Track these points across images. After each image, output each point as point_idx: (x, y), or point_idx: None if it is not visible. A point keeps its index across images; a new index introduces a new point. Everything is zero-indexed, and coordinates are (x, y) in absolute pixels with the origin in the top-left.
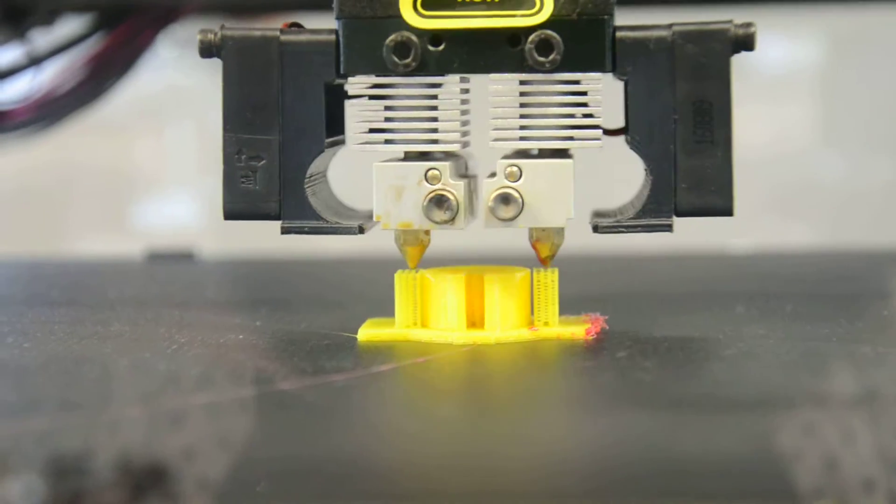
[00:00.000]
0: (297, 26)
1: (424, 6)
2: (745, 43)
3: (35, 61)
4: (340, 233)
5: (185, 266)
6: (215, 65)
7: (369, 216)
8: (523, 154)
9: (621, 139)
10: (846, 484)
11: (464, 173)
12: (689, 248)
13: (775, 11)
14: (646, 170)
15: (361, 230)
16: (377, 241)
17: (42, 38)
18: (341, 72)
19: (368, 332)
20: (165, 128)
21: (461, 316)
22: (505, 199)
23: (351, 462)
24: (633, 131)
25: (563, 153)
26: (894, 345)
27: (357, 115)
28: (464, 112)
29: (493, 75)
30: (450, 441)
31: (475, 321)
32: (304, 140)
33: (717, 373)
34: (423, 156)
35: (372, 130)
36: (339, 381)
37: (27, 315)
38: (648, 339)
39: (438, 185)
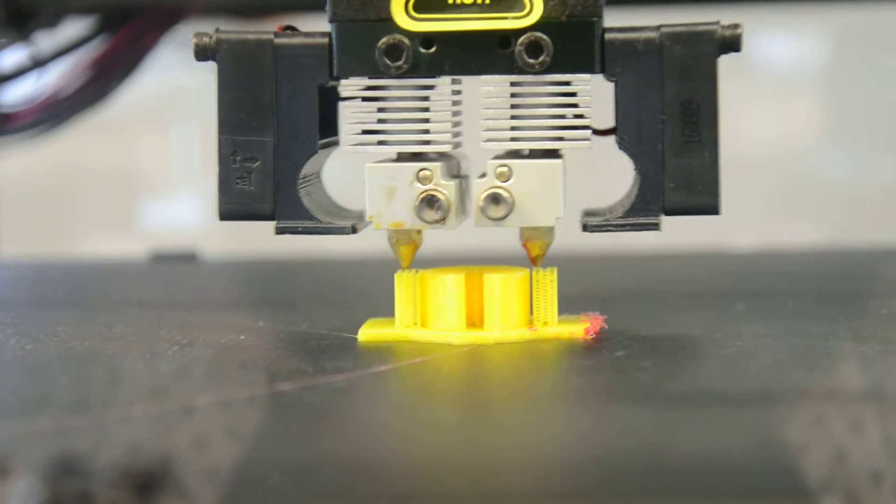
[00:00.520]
0: (292, 29)
1: (416, 9)
2: (732, 44)
3: (39, 63)
4: (333, 233)
5: (188, 267)
6: (213, 65)
7: (362, 216)
8: (514, 154)
9: (611, 139)
10: (846, 481)
11: (456, 174)
12: (690, 246)
13: (781, 9)
14: (635, 169)
15: (354, 230)
16: (377, 242)
17: (46, 41)
18: (334, 74)
19: (369, 333)
20: (169, 129)
21: (460, 316)
22: (495, 198)
23: (350, 463)
24: (622, 131)
25: (553, 153)
26: (894, 343)
27: (350, 116)
28: (455, 113)
29: (484, 77)
30: (449, 441)
31: (475, 321)
32: (297, 141)
33: (715, 371)
34: (416, 157)
35: (365, 132)
36: (339, 381)
37: (31, 316)
38: (647, 339)
39: (430, 186)
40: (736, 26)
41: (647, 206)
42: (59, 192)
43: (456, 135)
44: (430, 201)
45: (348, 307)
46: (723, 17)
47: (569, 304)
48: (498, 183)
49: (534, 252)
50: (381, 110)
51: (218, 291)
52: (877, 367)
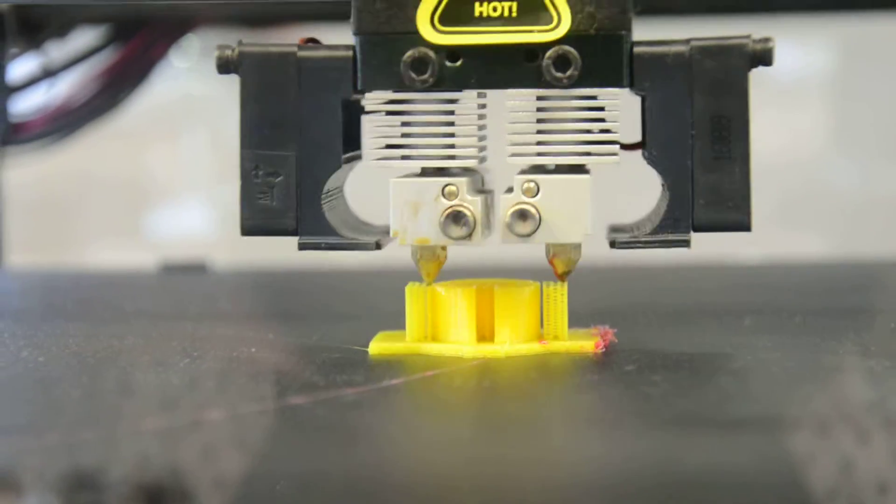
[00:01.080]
0: (314, 42)
1: (442, 22)
2: (763, 58)
3: (50, 73)
4: (357, 248)
5: (198, 278)
6: (229, 76)
7: (385, 231)
8: (540, 169)
9: (637, 154)
10: (855, 497)
11: (480, 189)
12: (697, 259)
13: (788, 20)
14: (663, 185)
15: (378, 246)
16: (389, 254)
17: (57, 51)
18: (359, 88)
19: (379, 346)
20: (179, 139)
21: (471, 329)
22: (522, 214)
23: (361, 477)
24: (650, 146)
25: (579, 168)
26: None
27: (374, 130)
28: (480, 127)
29: (510, 91)
30: (459, 455)
31: (485, 335)
32: (321, 156)
33: (724, 387)
34: (440, 171)
35: (389, 146)
36: (350, 395)
37: (42, 328)
38: (657, 353)
39: (456, 201)
40: (767, 40)
41: (676, 222)
42: (68, 202)
43: (481, 149)
44: (456, 217)
45: (359, 320)
46: (728, 29)
47: (579, 318)
48: (525, 199)
49: (560, 269)
50: (405, 124)
51: (228, 303)
52: (887, 383)
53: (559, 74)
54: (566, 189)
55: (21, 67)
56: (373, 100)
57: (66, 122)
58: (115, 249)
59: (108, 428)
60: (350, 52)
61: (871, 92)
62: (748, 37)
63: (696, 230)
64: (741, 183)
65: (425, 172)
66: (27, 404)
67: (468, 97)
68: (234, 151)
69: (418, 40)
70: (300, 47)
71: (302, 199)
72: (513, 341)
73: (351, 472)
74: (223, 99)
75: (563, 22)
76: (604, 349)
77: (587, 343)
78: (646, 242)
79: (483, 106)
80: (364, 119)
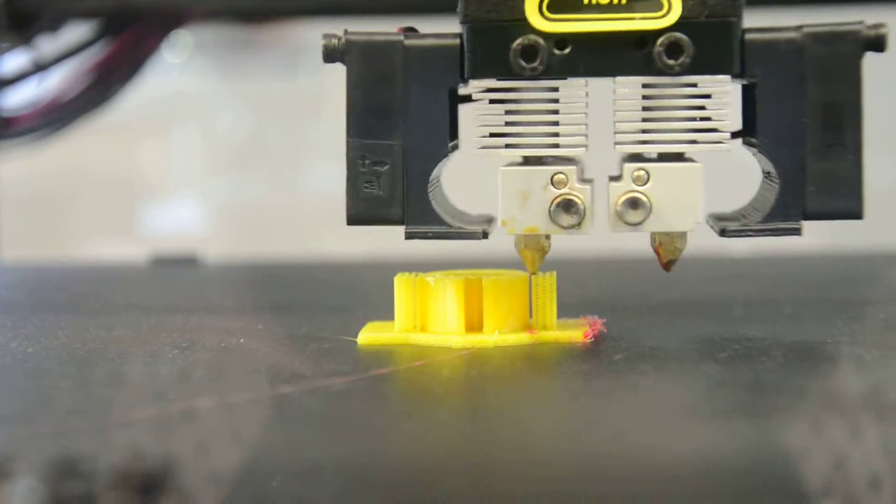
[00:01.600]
0: (412, 31)
1: (550, 9)
2: (877, 44)
3: (41, 67)
4: (464, 237)
5: (188, 271)
6: (222, 69)
7: (485, 220)
8: (640, 157)
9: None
10: (845, 487)
11: (583, 177)
12: (687, 249)
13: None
14: (766, 173)
15: (485, 235)
16: (376, 245)
17: (48, 45)
18: (465, 76)
19: (368, 336)
20: (170, 133)
21: (460, 319)
22: (633, 203)
23: (349, 466)
24: (761, 134)
25: (683, 156)
26: (890, 348)
27: (478, 119)
28: (585, 115)
29: (619, 78)
30: (448, 444)
31: (474, 325)
32: (427, 145)
33: (713, 375)
34: (541, 160)
35: (493, 135)
36: (338, 384)
37: (32, 320)
38: (646, 342)
39: (565, 190)
40: (880, 26)
41: (787, 210)
42: (59, 196)
43: (585, 137)
44: (567, 206)
45: (348, 310)
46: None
47: (568, 308)
48: (635, 187)
49: (666, 258)
50: (510, 112)
51: (218, 295)
52: (875, 373)
53: (671, 62)
54: (678, 177)
55: (12, 62)
56: (478, 87)
57: (57, 116)
58: (106, 243)
59: (98, 417)
60: (457, 41)
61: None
62: (861, 23)
63: (807, 218)
64: (853, 170)
65: (528, 161)
66: (16, 394)
67: (575, 85)
68: (224, 146)
69: (526, 28)
70: (407, 35)
71: (408, 188)
72: (501, 331)
73: (339, 461)
74: (214, 94)
75: (673, 9)
76: (592, 339)
77: (576, 333)
78: (757, 231)
79: (586, 94)
80: (466, 107)
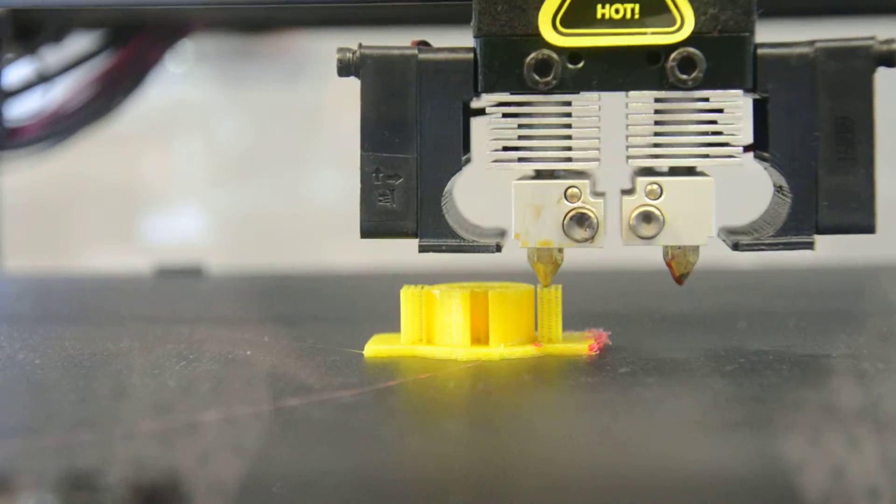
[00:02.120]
0: (425, 44)
1: (563, 24)
2: (889, 59)
3: (45, 78)
4: (478, 251)
5: (193, 281)
6: (225, 79)
7: (498, 233)
8: (652, 171)
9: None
10: (846, 500)
11: (595, 191)
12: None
13: (778, 24)
14: (778, 187)
15: (499, 248)
16: (381, 256)
17: (52, 55)
18: (479, 90)
19: (374, 348)
20: (174, 143)
21: (466, 332)
22: (647, 216)
23: (356, 478)
24: (773, 148)
25: (695, 170)
26: (894, 361)
27: (491, 132)
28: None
29: (632, 93)
30: (454, 457)
31: (480, 337)
32: (441, 158)
33: (718, 389)
34: (554, 174)
35: (506, 148)
36: (345, 396)
37: (38, 331)
38: (651, 355)
39: (578, 203)
40: (892, 41)
41: (799, 224)
42: (63, 206)
43: (598, 152)
44: (580, 219)
45: (354, 322)
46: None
47: (573, 321)
48: (648, 200)
49: (678, 272)
50: (523, 126)
51: (223, 306)
52: (879, 386)
53: (684, 76)
54: (691, 191)
55: (16, 72)
56: (492, 101)
57: (61, 126)
58: (110, 253)
59: (104, 430)
60: (471, 55)
61: None
62: (873, 38)
63: (819, 232)
64: (866, 185)
65: (541, 175)
66: (23, 407)
67: (588, 99)
68: (228, 156)
69: (540, 42)
70: (421, 49)
71: (422, 201)
72: (507, 344)
73: (346, 473)
74: (217, 103)
75: (686, 23)
76: (598, 352)
77: (581, 346)
78: (770, 245)
79: (599, 108)
80: (479, 121)
